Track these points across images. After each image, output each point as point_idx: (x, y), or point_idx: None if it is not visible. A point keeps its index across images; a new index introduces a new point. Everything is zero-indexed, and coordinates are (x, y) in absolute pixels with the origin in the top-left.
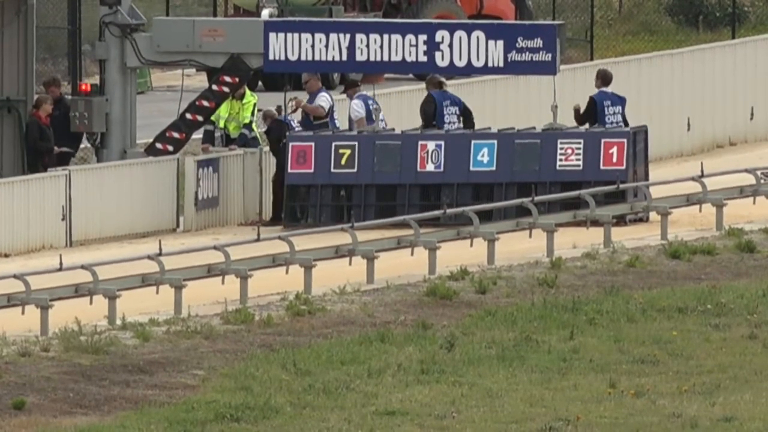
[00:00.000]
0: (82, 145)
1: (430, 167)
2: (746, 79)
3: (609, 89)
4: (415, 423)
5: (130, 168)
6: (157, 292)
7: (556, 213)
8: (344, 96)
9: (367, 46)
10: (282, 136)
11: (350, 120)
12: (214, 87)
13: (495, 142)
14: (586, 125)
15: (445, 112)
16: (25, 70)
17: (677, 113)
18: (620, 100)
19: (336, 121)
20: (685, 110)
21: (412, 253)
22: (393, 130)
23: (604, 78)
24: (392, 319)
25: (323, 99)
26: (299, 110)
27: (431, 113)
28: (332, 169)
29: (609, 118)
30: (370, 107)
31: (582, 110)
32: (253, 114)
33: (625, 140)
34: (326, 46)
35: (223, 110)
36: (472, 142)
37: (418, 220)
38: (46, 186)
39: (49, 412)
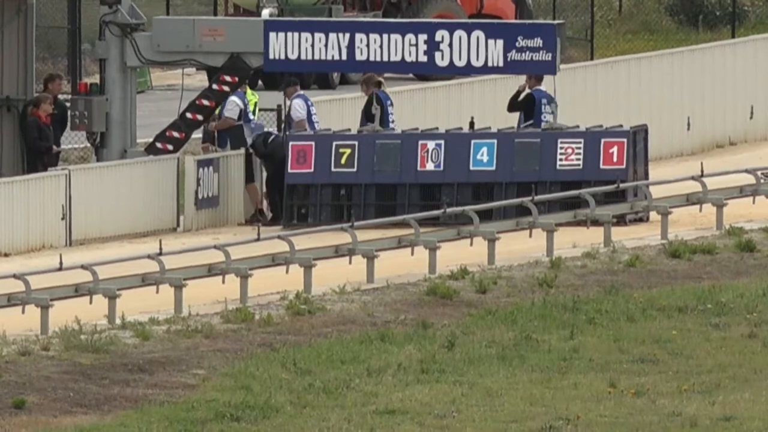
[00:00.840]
0: (81, 145)
1: (430, 166)
2: (746, 79)
3: (543, 87)
4: (416, 422)
5: (130, 167)
6: (158, 292)
7: (556, 212)
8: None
9: (367, 45)
10: (266, 141)
11: (290, 121)
12: (214, 86)
13: (495, 141)
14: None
15: (389, 111)
16: (25, 69)
17: (677, 113)
18: (554, 101)
19: (251, 118)
20: (685, 110)
21: (412, 253)
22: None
23: (537, 76)
24: (392, 319)
25: (232, 104)
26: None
27: (380, 113)
28: (332, 169)
29: (544, 116)
30: (310, 107)
31: (521, 98)
32: (254, 113)
33: (625, 140)
34: (326, 46)
35: None
36: (472, 141)
37: (418, 219)
38: (46, 186)
39: (49, 411)
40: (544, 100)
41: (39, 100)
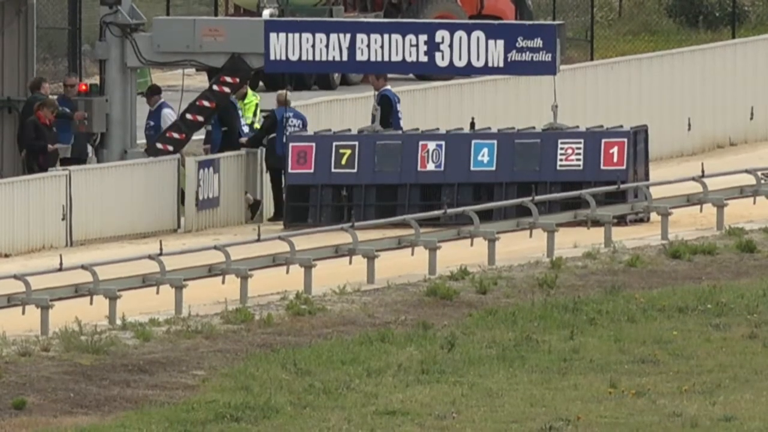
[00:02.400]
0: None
1: (430, 167)
2: (746, 79)
3: (389, 86)
4: (416, 423)
5: (130, 168)
6: (158, 292)
7: (556, 213)
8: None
9: (368, 46)
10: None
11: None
12: (215, 87)
13: (495, 142)
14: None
15: (240, 115)
16: (26, 70)
17: (677, 113)
18: (399, 101)
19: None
20: (685, 110)
21: (412, 253)
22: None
23: (384, 76)
24: (392, 319)
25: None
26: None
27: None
28: (332, 169)
29: (399, 115)
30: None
31: (379, 114)
32: (255, 114)
33: (625, 140)
34: (327, 46)
35: None
36: (473, 141)
37: (418, 219)
38: (46, 186)
39: (49, 412)
40: (396, 99)
41: (44, 104)
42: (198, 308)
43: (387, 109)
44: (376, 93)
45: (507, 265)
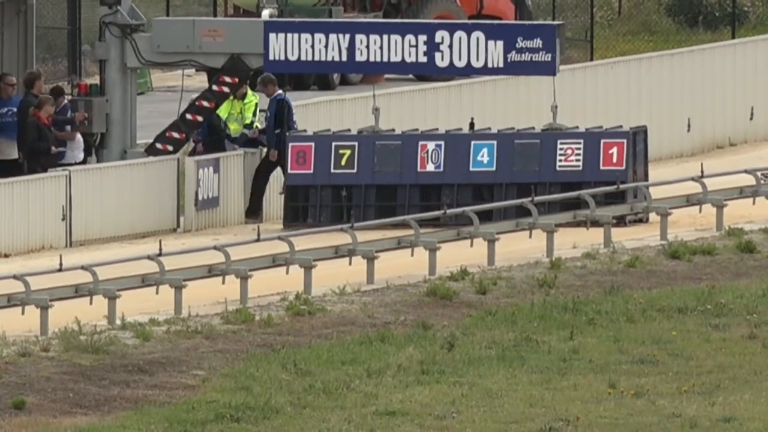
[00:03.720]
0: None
1: (430, 167)
2: (746, 79)
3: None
4: (416, 423)
5: (130, 168)
6: (157, 293)
7: (556, 213)
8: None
9: (367, 46)
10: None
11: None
12: (214, 87)
13: (495, 142)
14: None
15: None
16: (25, 69)
17: (677, 113)
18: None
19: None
20: (685, 110)
21: (412, 254)
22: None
23: (273, 81)
24: (392, 320)
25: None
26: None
27: None
28: (332, 170)
29: (294, 117)
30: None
31: (271, 115)
32: (254, 114)
33: (624, 140)
34: (326, 47)
35: (223, 110)
36: (472, 142)
37: (418, 220)
38: (46, 186)
39: (49, 412)
40: (293, 103)
41: (41, 102)
42: (198, 308)
43: (282, 112)
44: (269, 99)
45: (507, 266)
